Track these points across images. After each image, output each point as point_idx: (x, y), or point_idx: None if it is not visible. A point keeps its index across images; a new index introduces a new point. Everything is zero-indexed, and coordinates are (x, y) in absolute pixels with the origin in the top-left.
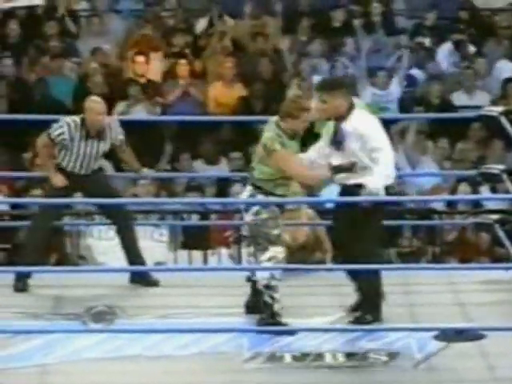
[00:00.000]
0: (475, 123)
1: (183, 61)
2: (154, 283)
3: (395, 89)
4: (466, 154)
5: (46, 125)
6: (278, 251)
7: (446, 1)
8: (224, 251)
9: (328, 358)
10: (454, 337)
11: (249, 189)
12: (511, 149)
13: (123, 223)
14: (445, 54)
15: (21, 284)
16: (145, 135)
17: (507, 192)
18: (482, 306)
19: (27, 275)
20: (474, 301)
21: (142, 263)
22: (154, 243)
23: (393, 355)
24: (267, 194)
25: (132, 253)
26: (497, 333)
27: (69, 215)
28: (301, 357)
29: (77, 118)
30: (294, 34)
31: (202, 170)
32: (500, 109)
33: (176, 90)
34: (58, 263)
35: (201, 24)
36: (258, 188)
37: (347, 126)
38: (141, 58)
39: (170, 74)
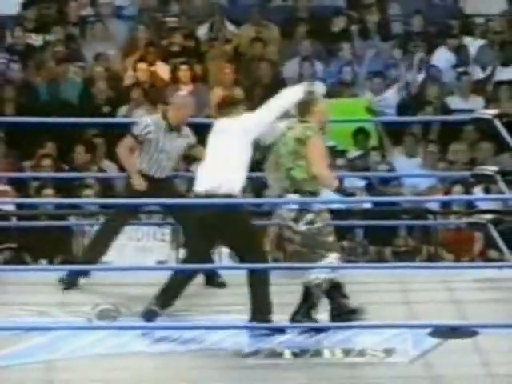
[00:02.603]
0: (469, 126)
1: (184, 66)
2: (221, 284)
3: (392, 95)
4: (459, 155)
5: (53, 127)
6: (334, 257)
7: (435, 7)
8: (224, 250)
9: (326, 355)
10: (449, 334)
11: (295, 197)
12: (504, 151)
13: (188, 227)
14: (440, 59)
15: (72, 280)
16: None
17: (500, 193)
18: (476, 303)
19: (83, 273)
20: (468, 298)
21: (211, 261)
22: (156, 242)
23: (389, 351)
24: (315, 195)
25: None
26: (490, 330)
27: (75, 215)
28: (300, 353)
29: (158, 115)
30: (293, 39)
31: None
32: (494, 112)
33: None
34: (64, 263)
35: (202, 30)
36: (305, 192)
37: None
38: (143, 65)
39: (172, 79)
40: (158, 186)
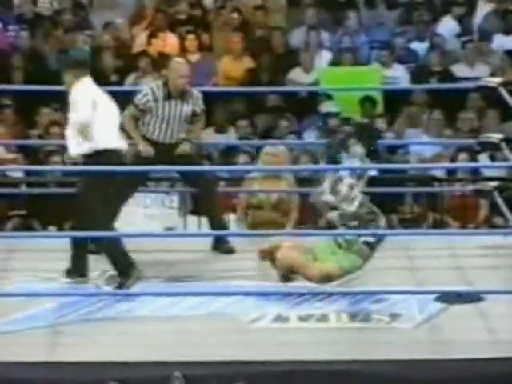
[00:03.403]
0: (474, 93)
1: (191, 35)
2: (230, 250)
3: (402, 72)
4: (466, 123)
5: (60, 95)
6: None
7: None
8: (231, 217)
9: (332, 319)
10: (454, 299)
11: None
12: (509, 118)
13: (205, 190)
14: (446, 28)
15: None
16: None
17: (505, 160)
18: (481, 269)
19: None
20: (473, 265)
21: (225, 228)
22: (164, 209)
23: (395, 316)
24: None
25: (214, 218)
26: (495, 296)
27: None
28: (306, 317)
29: (159, 81)
30: (299, 7)
31: (212, 138)
32: (499, 80)
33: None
34: (73, 229)
35: None
36: None
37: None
38: (158, 41)
39: (179, 49)
40: (165, 151)
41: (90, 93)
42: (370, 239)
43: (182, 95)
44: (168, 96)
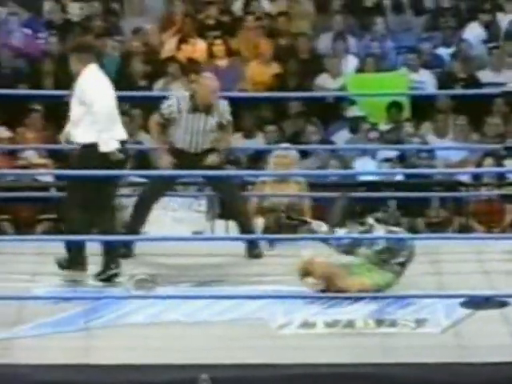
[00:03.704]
0: (499, 99)
1: (219, 41)
2: (257, 255)
3: (429, 77)
4: (491, 128)
5: None
6: None
7: None
8: (259, 221)
9: (359, 324)
10: (480, 304)
11: None
12: None
13: (230, 195)
14: (472, 34)
15: (125, 251)
16: None
17: None
18: (506, 274)
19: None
20: (498, 269)
21: (252, 231)
22: (193, 213)
23: (421, 321)
24: None
25: (242, 222)
26: None
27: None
28: (333, 323)
29: (186, 92)
30: (327, 13)
31: (240, 143)
32: None
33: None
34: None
35: (238, 4)
36: None
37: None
38: (187, 47)
39: (208, 54)
40: (190, 159)
41: (99, 81)
42: (402, 259)
43: (208, 108)
44: (193, 109)
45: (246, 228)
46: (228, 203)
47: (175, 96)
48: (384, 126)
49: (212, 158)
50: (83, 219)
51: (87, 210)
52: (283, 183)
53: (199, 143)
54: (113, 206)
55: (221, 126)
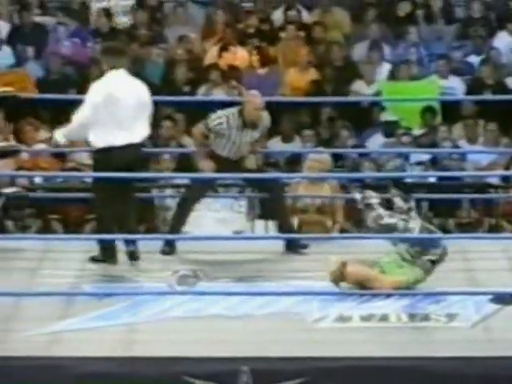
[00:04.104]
0: None
1: (260, 49)
2: (303, 247)
3: (458, 84)
4: None
5: None
6: None
7: None
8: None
9: (393, 319)
10: (509, 300)
11: None
12: None
13: (275, 196)
14: (502, 42)
15: (168, 248)
16: None
17: None
18: None
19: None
20: None
21: (293, 231)
22: (233, 214)
23: (452, 316)
24: None
25: (283, 222)
26: None
27: (157, 188)
28: (367, 317)
29: (234, 110)
30: (362, 23)
31: (279, 147)
32: None
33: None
34: (147, 232)
35: (277, 14)
36: None
37: None
38: (228, 55)
39: (248, 61)
40: (230, 164)
41: (104, 90)
42: (433, 257)
43: (254, 124)
44: (242, 126)
45: (285, 226)
46: (269, 203)
47: (225, 114)
48: (417, 131)
49: (251, 162)
50: (109, 216)
51: (111, 207)
52: (316, 185)
53: (241, 151)
54: (131, 203)
55: (261, 134)
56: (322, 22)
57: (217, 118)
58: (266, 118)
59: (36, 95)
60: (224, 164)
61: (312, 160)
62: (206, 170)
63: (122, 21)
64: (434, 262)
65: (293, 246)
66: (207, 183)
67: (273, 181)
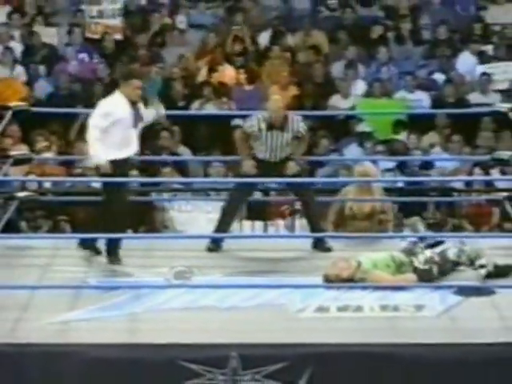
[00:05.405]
0: (487, 117)
1: (242, 70)
2: (327, 249)
3: (424, 97)
4: (483, 142)
5: None
6: None
7: (459, 17)
8: (281, 222)
9: (366, 310)
10: (471, 292)
11: None
12: None
13: (310, 199)
14: (465, 61)
15: (214, 245)
16: (214, 127)
17: None
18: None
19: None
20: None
21: (322, 230)
22: None
23: (419, 307)
24: None
25: (315, 223)
26: (505, 289)
27: (156, 192)
28: (344, 308)
29: (265, 113)
30: (339, 44)
31: None
32: (509, 105)
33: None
34: (148, 232)
35: (263, 36)
36: None
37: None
38: (216, 74)
39: (236, 79)
40: (270, 167)
41: (109, 106)
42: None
43: (282, 125)
44: (270, 127)
45: (316, 226)
46: (305, 205)
47: (256, 117)
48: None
49: (291, 167)
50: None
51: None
52: (364, 191)
53: (278, 154)
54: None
55: (297, 138)
56: (304, 43)
57: (249, 121)
58: (297, 122)
59: (46, 109)
60: (263, 166)
61: (359, 173)
62: (249, 169)
63: (112, 23)
64: (415, 269)
65: (319, 246)
66: (249, 187)
67: (305, 185)
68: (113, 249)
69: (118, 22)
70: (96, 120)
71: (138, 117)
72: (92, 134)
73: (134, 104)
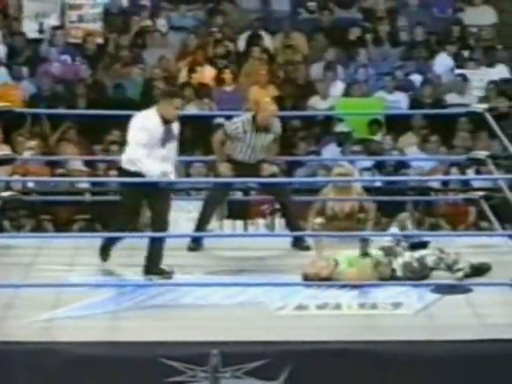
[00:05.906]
0: (463, 118)
1: (228, 70)
2: (306, 248)
3: (402, 98)
4: (460, 142)
5: (119, 119)
6: None
7: (436, 19)
8: (261, 221)
9: (345, 307)
10: (447, 290)
11: None
12: (493, 138)
13: (287, 199)
14: (440, 63)
15: (194, 245)
16: (196, 127)
17: (490, 173)
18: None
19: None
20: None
21: (300, 229)
22: None
23: (397, 305)
24: None
25: (293, 222)
26: (481, 287)
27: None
28: (323, 306)
29: (248, 116)
30: (317, 46)
31: None
32: (485, 106)
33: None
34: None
35: (243, 38)
36: None
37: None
38: (196, 75)
39: (216, 80)
40: (247, 169)
41: (141, 121)
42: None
43: (267, 127)
44: (256, 129)
45: (294, 225)
46: (283, 206)
47: (241, 119)
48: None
49: (267, 168)
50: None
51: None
52: (344, 190)
53: (257, 156)
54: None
55: (274, 139)
56: (283, 45)
57: (233, 124)
58: (277, 123)
59: (28, 109)
60: (241, 167)
61: (339, 174)
62: (225, 172)
63: (93, 28)
64: (393, 271)
65: (298, 244)
66: (226, 186)
67: (282, 186)
68: (108, 246)
69: (98, 26)
70: (138, 136)
71: (168, 136)
72: (138, 152)
73: (167, 123)
